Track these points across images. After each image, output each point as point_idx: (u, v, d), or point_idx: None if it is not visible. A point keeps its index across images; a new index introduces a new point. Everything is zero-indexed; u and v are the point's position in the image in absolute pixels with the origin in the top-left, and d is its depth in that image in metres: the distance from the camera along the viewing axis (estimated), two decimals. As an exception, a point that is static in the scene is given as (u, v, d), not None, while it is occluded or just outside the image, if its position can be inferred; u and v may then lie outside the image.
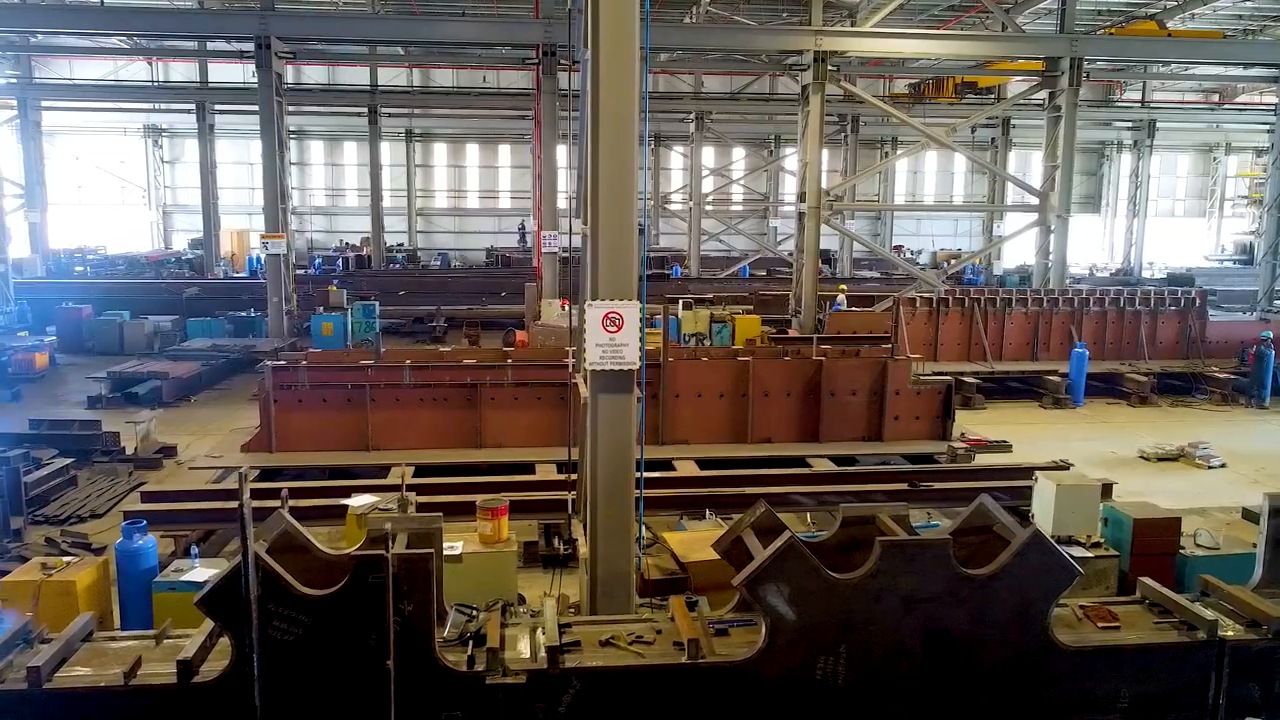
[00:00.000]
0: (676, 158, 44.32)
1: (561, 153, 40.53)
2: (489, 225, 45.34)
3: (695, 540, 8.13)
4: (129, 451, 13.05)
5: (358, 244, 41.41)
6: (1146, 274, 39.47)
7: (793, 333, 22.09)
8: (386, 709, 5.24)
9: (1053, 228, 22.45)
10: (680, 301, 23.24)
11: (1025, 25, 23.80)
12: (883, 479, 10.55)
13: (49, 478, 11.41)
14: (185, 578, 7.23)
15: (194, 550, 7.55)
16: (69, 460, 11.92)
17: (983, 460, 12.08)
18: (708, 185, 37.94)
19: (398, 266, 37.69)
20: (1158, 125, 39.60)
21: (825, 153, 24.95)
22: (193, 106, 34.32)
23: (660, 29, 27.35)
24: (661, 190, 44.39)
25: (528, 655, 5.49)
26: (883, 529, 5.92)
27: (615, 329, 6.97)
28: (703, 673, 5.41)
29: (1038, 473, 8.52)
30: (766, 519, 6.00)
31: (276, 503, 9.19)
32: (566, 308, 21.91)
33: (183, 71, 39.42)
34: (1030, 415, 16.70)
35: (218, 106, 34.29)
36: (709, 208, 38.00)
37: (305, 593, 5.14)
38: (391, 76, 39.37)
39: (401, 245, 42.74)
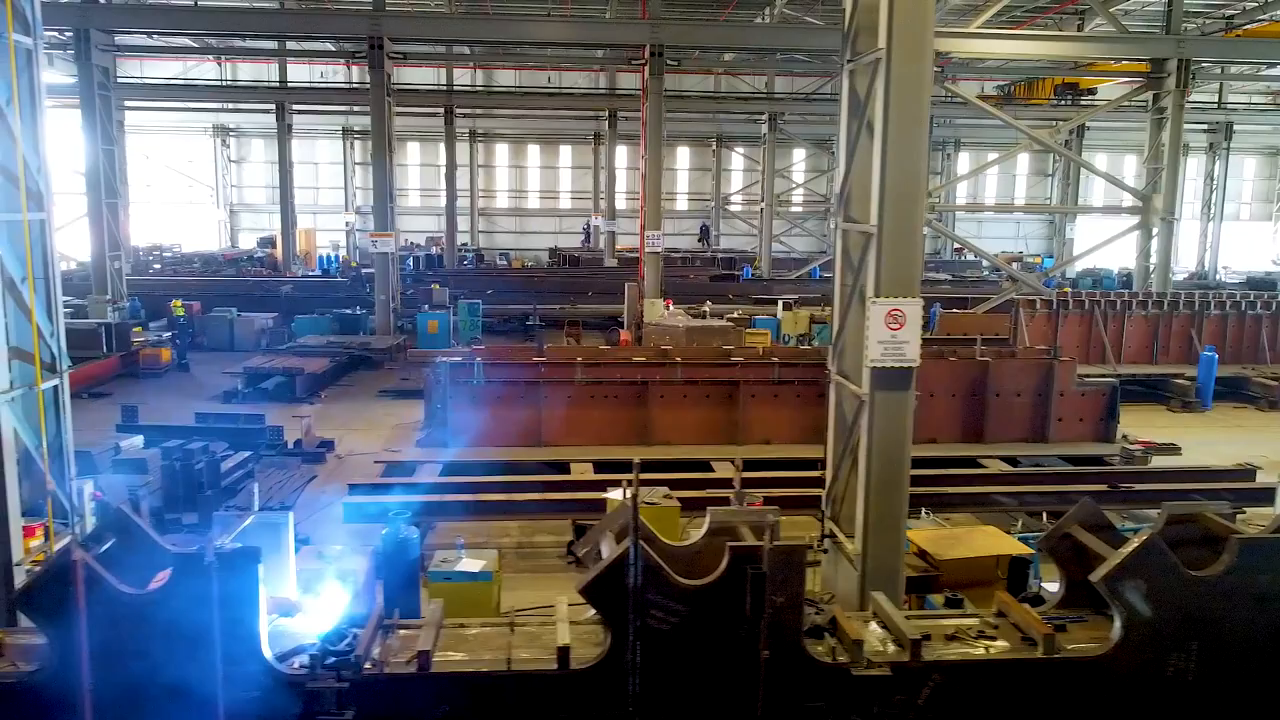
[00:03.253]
0: (737, 159, 44.38)
1: (622, 154, 40.40)
2: (549, 225, 45.58)
3: (939, 538, 8.17)
4: (290, 445, 13.29)
5: (422, 243, 41.73)
6: (1220, 278, 39.07)
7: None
8: (753, 697, 5.34)
9: (1155, 230, 22.35)
10: (780, 302, 23.33)
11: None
12: (1081, 480, 10.54)
13: (233, 469, 11.65)
14: (458, 568, 7.40)
15: (460, 542, 7.69)
16: (247, 453, 12.14)
17: (1159, 462, 12.05)
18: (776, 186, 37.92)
19: (468, 265, 37.92)
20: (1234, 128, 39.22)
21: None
22: (269, 107, 34.77)
23: (735, 29, 27.59)
24: (722, 191, 44.62)
25: (880, 648, 5.58)
26: (1208, 527, 5.96)
27: (898, 326, 7.04)
28: (1057, 666, 5.48)
29: (1283, 475, 8.48)
30: (1091, 516, 6.05)
31: (463, 496, 9.35)
32: (671, 307, 22.07)
33: (249, 72, 39.90)
34: (1161, 418, 16.59)
35: (295, 107, 34.70)
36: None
37: (683, 583, 5.24)
38: (454, 77, 39.61)
39: (465, 245, 43.01)
